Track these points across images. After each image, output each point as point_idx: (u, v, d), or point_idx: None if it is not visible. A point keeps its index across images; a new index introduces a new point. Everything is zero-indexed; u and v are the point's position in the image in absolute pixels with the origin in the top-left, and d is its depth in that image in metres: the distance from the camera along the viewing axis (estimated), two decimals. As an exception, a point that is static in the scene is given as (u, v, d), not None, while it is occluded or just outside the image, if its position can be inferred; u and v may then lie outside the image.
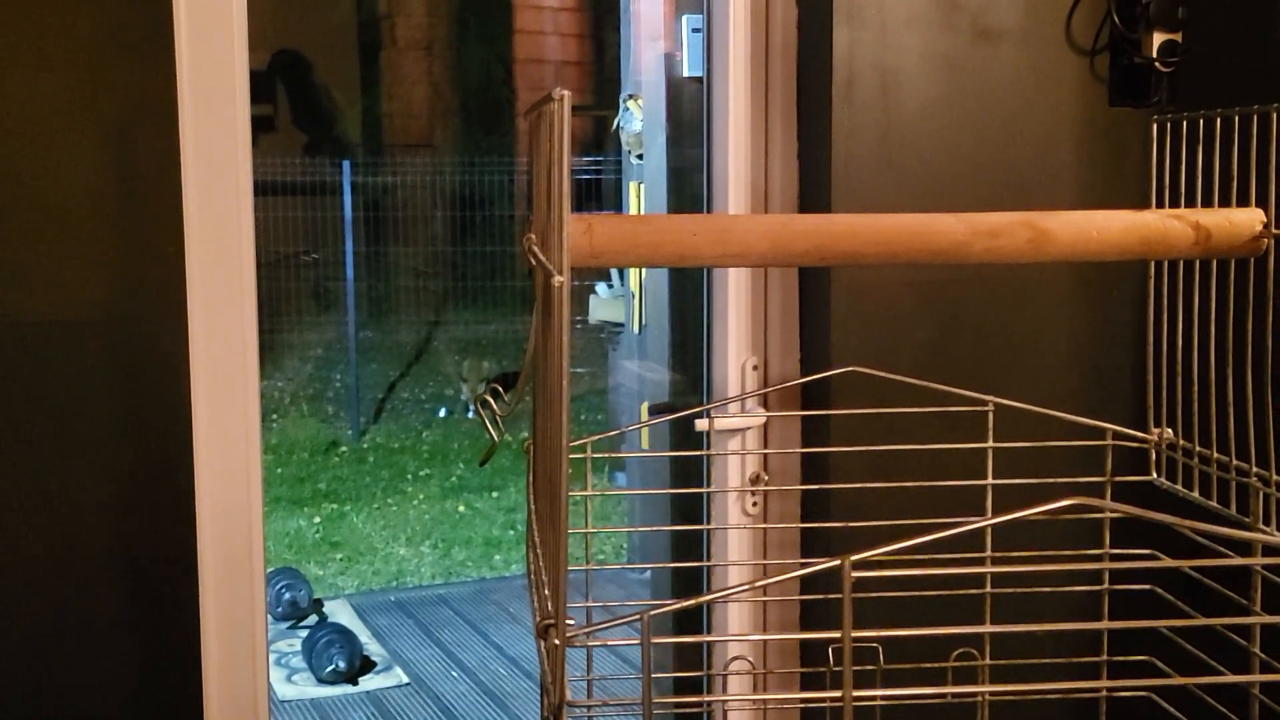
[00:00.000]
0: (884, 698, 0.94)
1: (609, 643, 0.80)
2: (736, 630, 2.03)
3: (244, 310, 1.69)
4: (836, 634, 0.80)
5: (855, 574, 0.82)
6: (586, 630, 0.78)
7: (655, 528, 2.75)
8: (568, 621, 0.76)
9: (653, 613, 0.76)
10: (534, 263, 0.99)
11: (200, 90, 1.63)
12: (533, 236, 0.99)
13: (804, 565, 0.83)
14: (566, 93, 0.80)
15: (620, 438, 1.60)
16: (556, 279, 0.78)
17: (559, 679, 0.76)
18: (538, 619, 0.81)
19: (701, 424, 1.93)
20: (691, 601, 0.91)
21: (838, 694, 0.80)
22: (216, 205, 1.65)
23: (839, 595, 0.83)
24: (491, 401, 1.07)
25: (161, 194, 1.61)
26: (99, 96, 1.57)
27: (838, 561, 0.78)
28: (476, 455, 7.77)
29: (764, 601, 2.02)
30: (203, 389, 1.66)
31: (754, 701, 1.83)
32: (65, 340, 1.58)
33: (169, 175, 1.61)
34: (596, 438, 1.47)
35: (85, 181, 1.57)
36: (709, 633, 2.03)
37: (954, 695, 1.27)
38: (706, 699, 1.75)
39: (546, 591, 0.82)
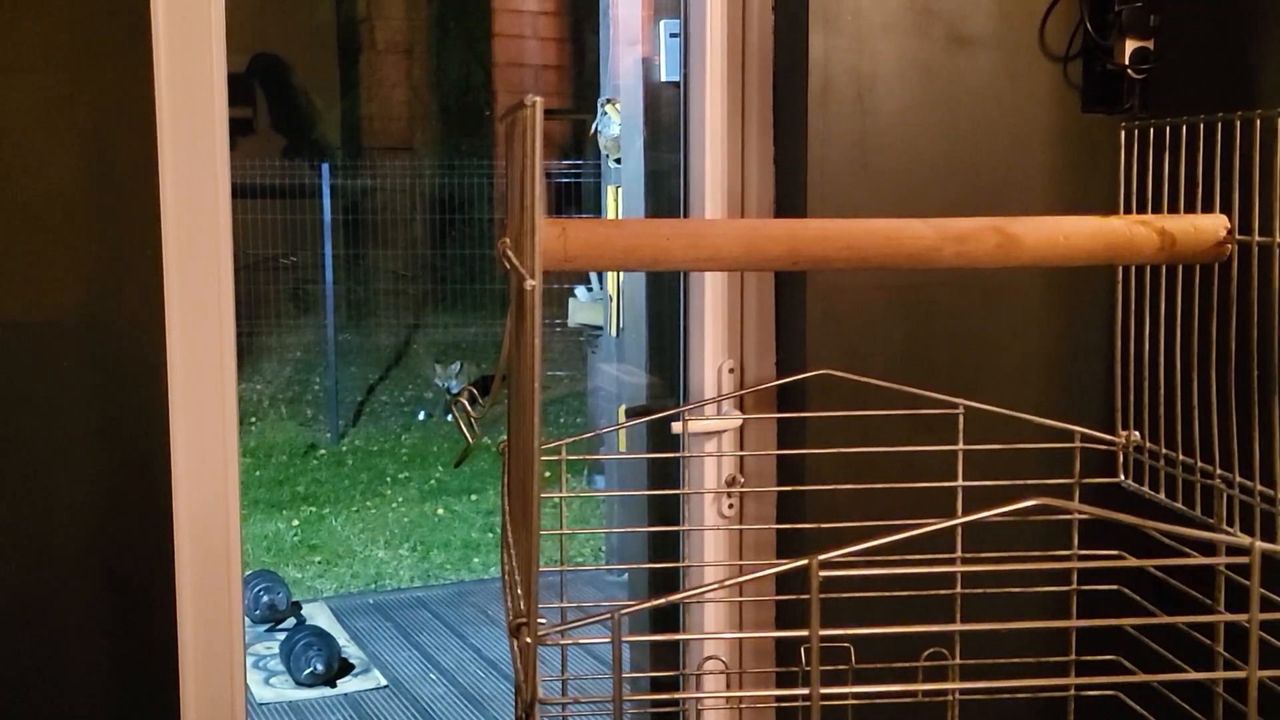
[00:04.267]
0: (854, 695, 0.95)
1: (581, 641, 0.81)
2: (712, 631, 2.04)
3: (222, 313, 1.69)
4: (806, 633, 0.81)
5: (826, 574, 0.84)
6: (558, 629, 0.79)
7: (631, 529, 2.76)
8: (540, 621, 0.78)
9: (623, 612, 0.77)
10: (508, 266, 1.00)
11: (178, 93, 1.63)
12: (507, 240, 1.00)
13: (773, 565, 0.84)
14: (538, 99, 0.81)
15: (599, 440, 1.61)
16: (529, 283, 0.80)
17: (530, 677, 0.77)
18: (510, 618, 0.82)
19: (678, 426, 1.94)
20: (661, 600, 0.92)
21: (806, 692, 0.81)
22: (194, 208, 1.66)
23: (803, 596, 0.84)
24: (466, 404, 1.08)
25: (139, 196, 1.61)
26: (77, 98, 1.57)
27: (805, 562, 0.79)
28: (455, 458, 7.76)
29: (739, 602, 2.03)
30: (180, 392, 1.66)
31: (727, 700, 1.85)
32: (42, 342, 1.59)
33: (147, 178, 1.62)
34: (571, 440, 1.48)
35: (63, 183, 1.58)
36: (684, 634, 2.04)
37: (924, 694, 1.28)
38: (680, 695, 1.76)
39: (519, 591, 0.83)
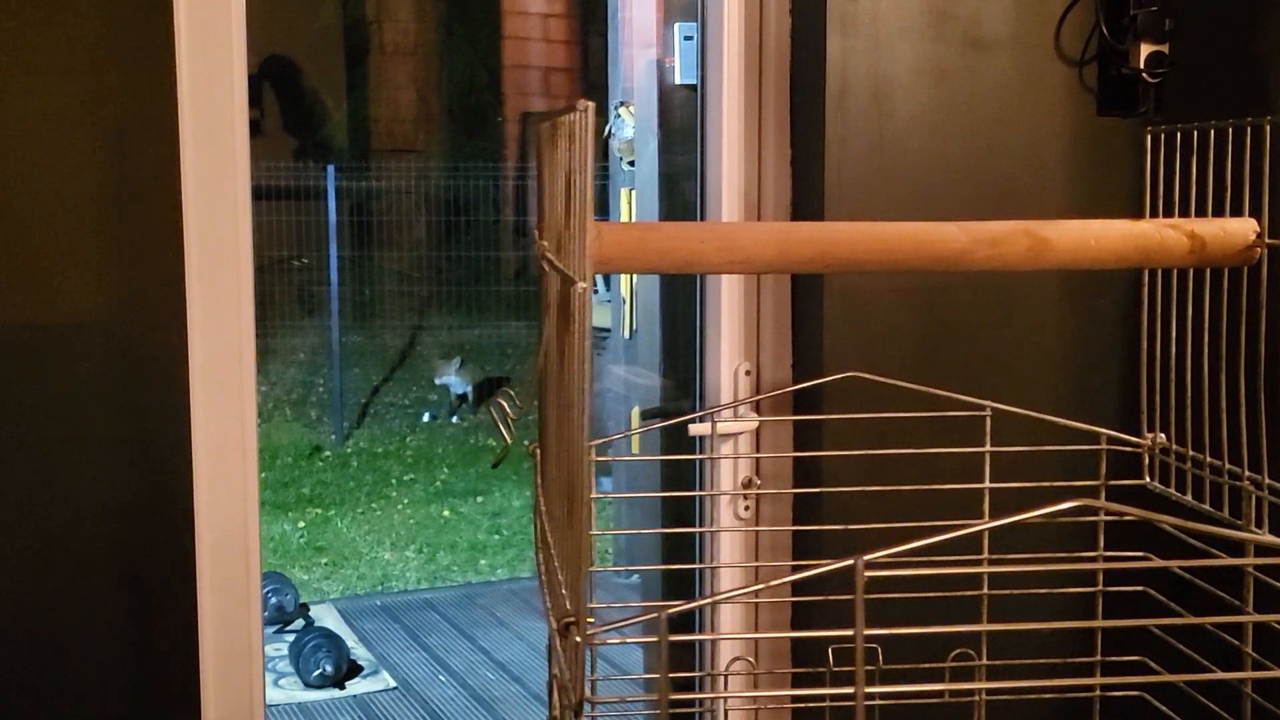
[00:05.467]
0: (892, 695, 0.96)
1: (627, 640, 0.82)
2: (729, 632, 2.04)
3: (242, 315, 1.70)
4: (848, 632, 0.82)
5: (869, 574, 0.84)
6: (608, 628, 0.80)
7: (653, 530, 2.77)
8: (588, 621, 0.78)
9: (669, 612, 0.78)
10: (548, 269, 1.01)
11: (200, 96, 1.64)
12: (545, 244, 1.01)
13: (815, 566, 0.85)
14: (590, 104, 0.82)
15: (609, 441, 1.62)
16: (580, 285, 0.80)
17: (578, 676, 0.78)
18: (557, 618, 0.82)
19: (695, 429, 1.95)
20: (706, 600, 0.93)
21: (849, 690, 0.82)
22: (215, 210, 1.66)
23: (840, 596, 0.84)
24: (505, 405, 1.09)
25: (161, 198, 1.62)
26: (99, 101, 1.58)
27: (851, 561, 0.80)
28: (461, 460, 7.77)
29: (755, 603, 2.03)
30: (201, 393, 1.67)
31: (759, 700, 1.85)
32: (65, 344, 1.59)
33: (168, 180, 1.62)
34: (599, 441, 1.49)
35: (85, 185, 1.58)
36: (723, 634, 2.05)
37: (952, 693, 1.29)
38: (722, 695, 1.76)
39: (564, 591, 0.84)
